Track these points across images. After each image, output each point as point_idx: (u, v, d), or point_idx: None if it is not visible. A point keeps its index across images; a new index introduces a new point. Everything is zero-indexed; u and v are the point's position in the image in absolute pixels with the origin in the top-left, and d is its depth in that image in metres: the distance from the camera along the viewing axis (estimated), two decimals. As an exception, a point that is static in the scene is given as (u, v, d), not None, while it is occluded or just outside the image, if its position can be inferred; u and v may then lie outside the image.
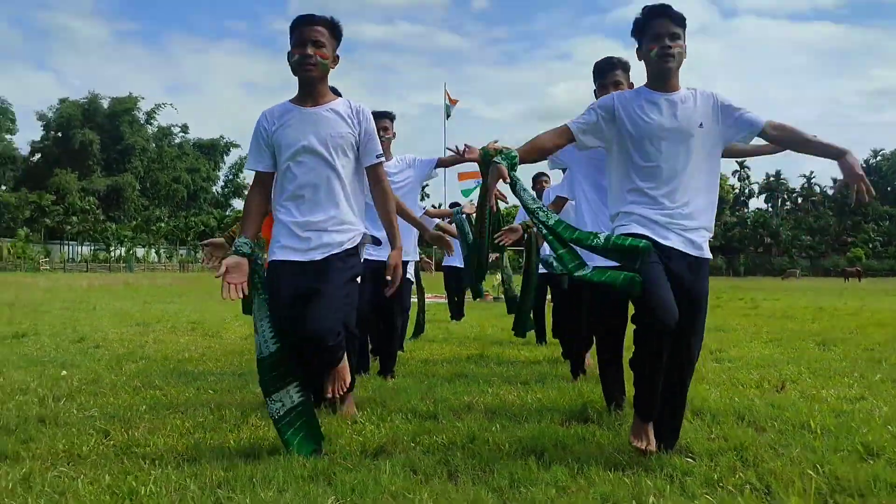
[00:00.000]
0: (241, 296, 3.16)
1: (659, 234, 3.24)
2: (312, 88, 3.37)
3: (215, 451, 3.33)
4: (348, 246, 3.41)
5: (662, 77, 3.34)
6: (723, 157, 3.49)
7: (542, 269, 7.67)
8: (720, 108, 3.34)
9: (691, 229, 3.28)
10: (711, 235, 3.39)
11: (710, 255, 3.38)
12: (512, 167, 3.27)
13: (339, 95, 3.58)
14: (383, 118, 5.10)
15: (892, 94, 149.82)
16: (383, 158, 3.57)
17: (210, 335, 8.69)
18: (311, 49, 3.29)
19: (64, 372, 5.66)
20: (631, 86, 4.20)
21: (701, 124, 3.29)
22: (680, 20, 3.29)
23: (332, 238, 3.37)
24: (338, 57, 3.42)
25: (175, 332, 9.09)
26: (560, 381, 5.38)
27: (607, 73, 4.27)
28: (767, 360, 6.60)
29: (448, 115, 17.87)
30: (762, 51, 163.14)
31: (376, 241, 4.05)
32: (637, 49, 3.42)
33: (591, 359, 5.88)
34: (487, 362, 6.49)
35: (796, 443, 3.46)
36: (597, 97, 4.34)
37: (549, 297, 8.30)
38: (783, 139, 3.36)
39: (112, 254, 63.00)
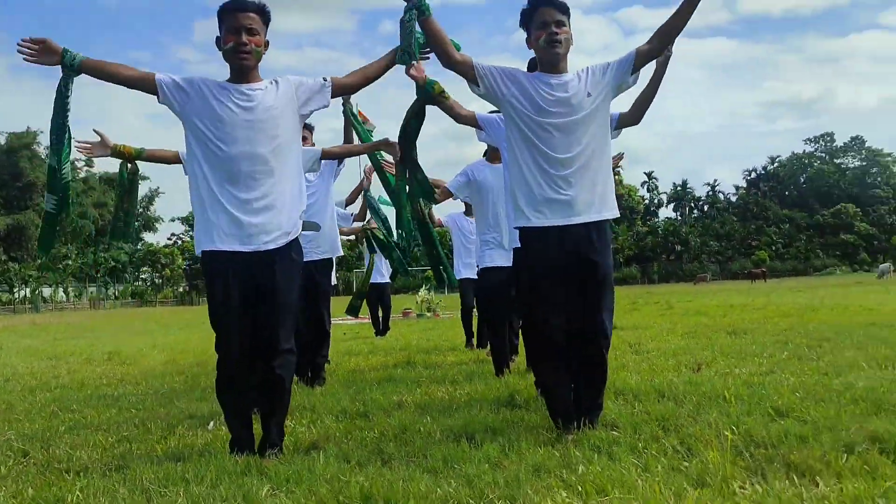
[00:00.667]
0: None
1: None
2: (246, 74, 3.33)
3: (143, 458, 3.27)
4: (291, 238, 3.33)
5: (551, 63, 3.50)
6: (626, 126, 3.71)
7: (465, 274, 7.79)
8: (600, 70, 3.54)
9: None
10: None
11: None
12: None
13: None
14: (303, 129, 5.07)
15: (786, 105, 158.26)
16: (326, 78, 3.50)
17: (128, 363, 8.42)
18: (246, 37, 3.25)
19: (-27, 404, 5.41)
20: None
21: (588, 94, 3.48)
22: (564, 8, 3.48)
23: (275, 225, 3.28)
24: (268, 42, 3.40)
25: (90, 363, 8.77)
26: (487, 377, 5.47)
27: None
28: (683, 349, 6.86)
29: (366, 137, 17.79)
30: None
31: (315, 227, 4.04)
32: (526, 39, 3.60)
33: (515, 357, 6.01)
34: (415, 367, 6.54)
35: (713, 411, 3.63)
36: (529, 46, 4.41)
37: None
38: (661, 38, 3.51)
39: (16, 295, 60.14)
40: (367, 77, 3.57)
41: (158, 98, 3.29)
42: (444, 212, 8.69)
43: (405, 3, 3.45)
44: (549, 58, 3.49)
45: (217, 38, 3.34)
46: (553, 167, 3.42)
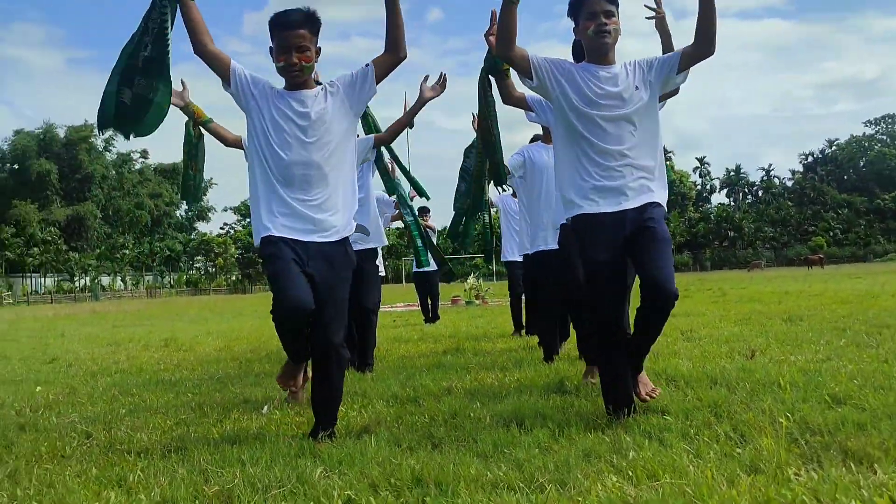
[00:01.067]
0: None
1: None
2: (300, 86, 3.41)
3: (200, 441, 3.36)
4: (345, 234, 3.40)
5: (598, 52, 3.48)
6: (697, 60, 3.48)
7: (515, 258, 7.80)
8: (646, 64, 3.50)
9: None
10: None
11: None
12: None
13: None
14: None
15: (843, 86, 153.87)
16: (368, 63, 3.48)
17: (184, 350, 8.63)
18: (296, 56, 3.32)
19: (39, 388, 5.61)
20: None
21: (637, 87, 3.45)
22: None
23: (329, 222, 3.35)
24: (320, 49, 3.45)
25: (148, 349, 9.02)
26: (537, 364, 5.47)
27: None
28: (737, 335, 6.75)
29: (410, 126, 17.82)
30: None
31: (364, 231, 4.09)
32: (574, 28, 3.57)
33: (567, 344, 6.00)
34: (464, 353, 6.57)
35: (767, 397, 3.58)
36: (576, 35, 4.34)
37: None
38: (700, 38, 3.37)
39: (76, 284, 62.03)
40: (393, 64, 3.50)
41: (227, 85, 3.36)
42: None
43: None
44: (597, 48, 3.46)
45: (270, 48, 3.40)
46: (604, 158, 3.40)
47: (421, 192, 5.79)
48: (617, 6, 3.47)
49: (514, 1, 3.33)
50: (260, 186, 3.36)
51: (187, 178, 4.63)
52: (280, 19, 3.33)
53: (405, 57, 3.43)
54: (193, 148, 4.54)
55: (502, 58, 3.53)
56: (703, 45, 3.38)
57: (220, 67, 3.34)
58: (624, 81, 3.44)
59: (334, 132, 3.38)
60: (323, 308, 3.28)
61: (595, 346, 3.74)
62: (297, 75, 3.36)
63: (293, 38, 3.31)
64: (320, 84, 3.52)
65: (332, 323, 3.32)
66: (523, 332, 8.34)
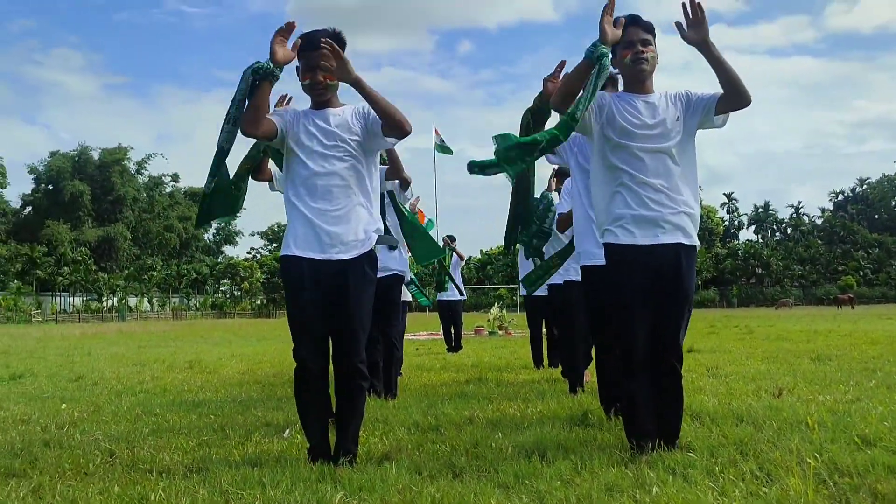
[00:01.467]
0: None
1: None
2: (325, 104, 3.49)
3: (222, 462, 3.37)
4: (366, 249, 3.42)
5: (636, 81, 3.50)
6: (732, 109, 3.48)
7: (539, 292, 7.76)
8: (685, 97, 3.52)
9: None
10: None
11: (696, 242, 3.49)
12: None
13: None
14: None
15: (875, 125, 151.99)
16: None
17: (208, 372, 8.68)
18: (321, 75, 3.40)
19: (64, 405, 5.67)
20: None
21: (677, 118, 3.47)
22: (649, 27, 3.50)
23: (352, 234, 3.39)
24: None
25: (172, 369, 9.08)
26: (560, 395, 5.43)
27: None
28: (763, 373, 6.65)
29: (446, 151, 17.87)
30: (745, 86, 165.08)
31: (392, 241, 4.09)
32: (612, 59, 3.57)
33: (589, 375, 5.93)
34: (487, 383, 6.54)
35: (794, 437, 3.51)
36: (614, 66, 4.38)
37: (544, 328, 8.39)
38: (727, 92, 3.40)
39: (104, 304, 62.70)
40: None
41: (272, 140, 3.44)
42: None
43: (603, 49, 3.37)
44: (635, 76, 3.49)
45: (297, 68, 3.47)
46: (642, 189, 3.41)
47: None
48: (654, 35, 3.50)
49: (597, 60, 3.33)
50: (287, 203, 3.45)
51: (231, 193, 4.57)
52: (306, 39, 3.40)
53: (409, 131, 3.42)
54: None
55: (556, 109, 3.57)
56: (734, 98, 3.41)
57: (269, 137, 3.40)
58: (664, 111, 3.45)
59: (356, 148, 3.43)
60: (341, 326, 3.32)
61: (618, 376, 3.65)
62: (322, 93, 3.45)
63: (317, 57, 3.37)
64: (347, 106, 3.56)
65: (351, 340, 3.33)
66: (545, 362, 8.28)
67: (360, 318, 3.38)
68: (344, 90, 3.49)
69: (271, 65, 3.26)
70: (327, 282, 3.34)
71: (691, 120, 3.50)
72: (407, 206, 5.63)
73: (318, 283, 3.33)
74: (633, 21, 3.47)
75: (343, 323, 3.34)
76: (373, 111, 3.38)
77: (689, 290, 3.43)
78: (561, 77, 3.76)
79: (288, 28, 3.28)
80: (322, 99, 3.48)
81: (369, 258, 3.45)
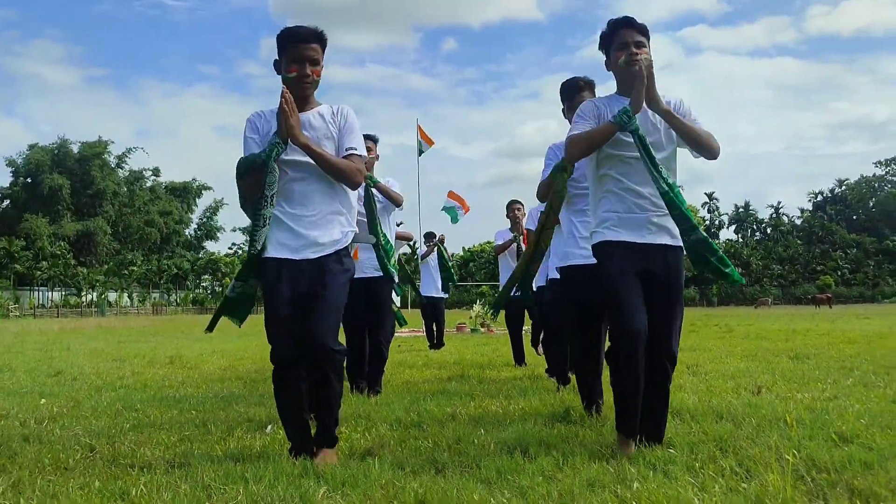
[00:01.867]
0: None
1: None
2: (305, 100, 3.46)
3: (204, 457, 3.35)
4: (340, 246, 3.42)
5: (629, 83, 3.49)
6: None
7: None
8: (683, 115, 3.52)
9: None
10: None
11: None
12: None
13: None
14: (366, 140, 5.24)
15: (853, 127, 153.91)
16: (355, 152, 3.46)
17: (189, 367, 8.63)
18: (309, 68, 3.38)
19: (43, 400, 5.62)
20: None
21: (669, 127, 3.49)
22: (643, 30, 3.50)
23: (327, 236, 3.39)
24: (322, 66, 3.52)
25: (153, 365, 9.01)
26: (542, 392, 5.45)
27: (576, 95, 4.48)
28: (743, 371, 6.72)
29: (420, 153, 17.95)
30: (726, 87, 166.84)
31: (369, 240, 4.12)
32: (606, 61, 3.61)
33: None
34: (469, 380, 6.55)
35: (773, 434, 3.56)
36: (566, 116, 4.54)
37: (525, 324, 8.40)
38: (693, 148, 3.54)
39: (83, 298, 62.13)
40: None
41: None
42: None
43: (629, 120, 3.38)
44: (629, 78, 3.48)
45: (276, 62, 3.45)
46: (628, 194, 3.44)
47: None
48: (648, 38, 3.50)
49: (624, 125, 3.34)
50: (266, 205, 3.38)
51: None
52: (293, 32, 3.40)
53: (360, 183, 3.51)
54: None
55: (575, 160, 3.67)
56: (702, 153, 3.51)
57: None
58: (654, 115, 3.46)
59: (331, 149, 3.43)
60: (316, 317, 3.29)
61: (615, 364, 3.48)
62: (308, 87, 3.42)
63: (307, 50, 3.37)
64: (325, 106, 3.55)
65: (325, 329, 3.29)
66: (526, 362, 8.28)
67: (334, 309, 3.35)
68: (324, 91, 3.49)
69: (281, 141, 3.27)
70: (303, 280, 3.34)
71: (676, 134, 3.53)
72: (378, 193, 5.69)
73: (294, 282, 3.33)
74: (627, 23, 3.48)
75: (317, 314, 3.30)
76: (347, 118, 3.43)
77: (679, 290, 3.46)
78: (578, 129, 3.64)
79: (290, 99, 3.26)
80: (306, 94, 3.44)
81: (346, 253, 3.46)
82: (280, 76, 3.43)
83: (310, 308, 3.32)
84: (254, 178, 3.31)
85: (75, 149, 76.21)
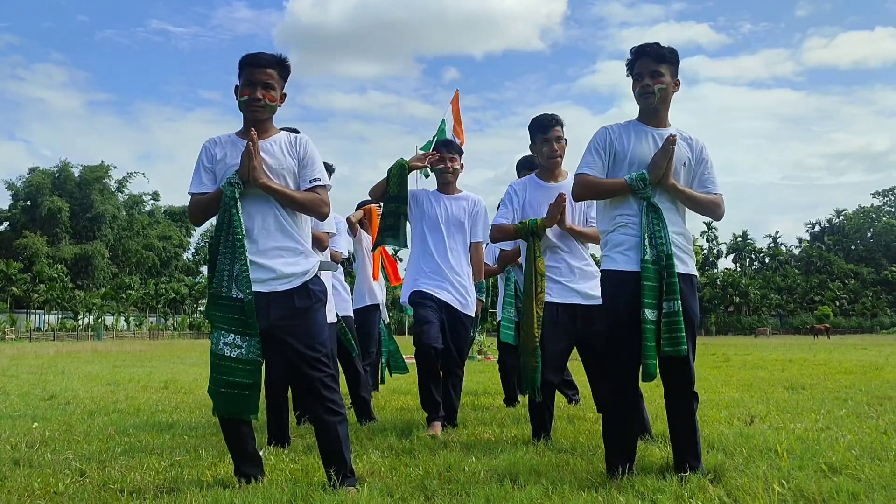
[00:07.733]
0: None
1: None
2: (258, 126, 3.40)
3: (194, 483, 3.35)
4: (307, 278, 3.37)
5: (648, 113, 3.53)
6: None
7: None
8: (701, 160, 3.58)
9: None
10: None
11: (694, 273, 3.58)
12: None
13: (296, 131, 3.66)
14: (450, 152, 5.46)
15: (851, 157, 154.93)
16: (320, 183, 3.41)
17: (183, 392, 8.61)
18: (261, 92, 3.35)
19: (35, 424, 5.60)
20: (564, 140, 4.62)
21: (685, 162, 3.52)
22: (661, 57, 3.45)
23: (289, 269, 3.33)
24: (285, 95, 3.49)
25: (147, 389, 8.99)
26: (534, 421, 5.43)
27: (549, 129, 4.56)
28: (737, 401, 6.71)
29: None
30: (725, 117, 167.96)
31: (332, 267, 4.28)
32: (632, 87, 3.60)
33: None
34: (462, 408, 6.51)
35: (763, 464, 3.56)
36: (532, 151, 4.66)
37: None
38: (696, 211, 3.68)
39: (80, 322, 61.97)
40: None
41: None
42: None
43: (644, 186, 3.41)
44: (643, 108, 3.52)
45: (235, 87, 3.43)
46: (638, 226, 3.43)
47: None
48: (669, 64, 3.46)
49: (637, 192, 3.40)
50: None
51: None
52: (250, 57, 3.39)
53: (327, 214, 3.52)
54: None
55: (578, 201, 3.95)
56: (706, 216, 3.67)
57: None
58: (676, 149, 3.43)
59: (290, 180, 3.39)
60: (296, 345, 3.25)
61: (607, 397, 3.58)
62: (259, 111, 3.36)
63: (261, 74, 3.35)
64: (289, 132, 3.54)
65: (312, 359, 3.25)
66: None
67: (313, 342, 3.29)
68: (285, 118, 3.50)
69: (241, 182, 3.26)
70: (272, 309, 3.27)
71: (688, 175, 3.57)
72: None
73: (264, 313, 3.25)
74: (642, 52, 3.47)
75: (301, 344, 3.26)
76: (308, 149, 3.43)
77: (693, 317, 3.46)
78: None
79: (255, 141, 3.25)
80: (258, 118, 3.38)
81: (314, 282, 3.40)
82: (238, 103, 3.41)
83: (287, 337, 3.28)
84: (205, 215, 3.40)
85: (76, 172, 76.49)
